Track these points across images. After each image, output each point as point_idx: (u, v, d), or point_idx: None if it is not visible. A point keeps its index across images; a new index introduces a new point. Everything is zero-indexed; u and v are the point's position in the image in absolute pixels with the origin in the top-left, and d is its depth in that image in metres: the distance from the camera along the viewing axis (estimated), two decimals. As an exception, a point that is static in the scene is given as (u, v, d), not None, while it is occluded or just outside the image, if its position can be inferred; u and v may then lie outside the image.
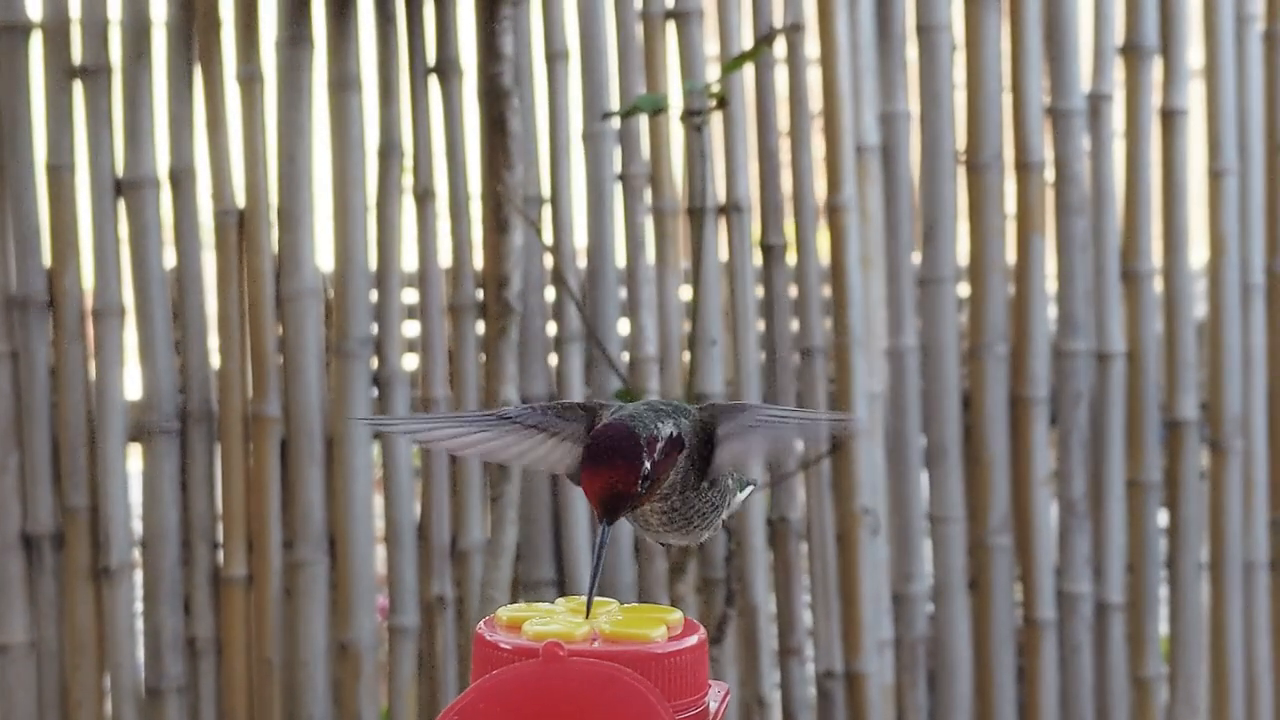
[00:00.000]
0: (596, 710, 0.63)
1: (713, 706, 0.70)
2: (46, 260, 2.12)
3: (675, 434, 0.84)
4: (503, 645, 0.68)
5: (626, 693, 0.63)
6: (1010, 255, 2.25)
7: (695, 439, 0.87)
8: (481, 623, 0.71)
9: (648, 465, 0.82)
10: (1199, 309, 2.35)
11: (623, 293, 2.19)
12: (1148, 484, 2.28)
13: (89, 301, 2.14)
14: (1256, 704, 2.33)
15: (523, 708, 0.63)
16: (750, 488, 1.00)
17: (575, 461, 0.89)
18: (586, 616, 0.73)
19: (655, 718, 0.63)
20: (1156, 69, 2.27)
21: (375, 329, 2.16)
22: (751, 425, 0.89)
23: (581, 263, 2.19)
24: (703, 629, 0.72)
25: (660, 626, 0.70)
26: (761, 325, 2.20)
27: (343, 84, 2.13)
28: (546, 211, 2.16)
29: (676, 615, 0.73)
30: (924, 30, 2.22)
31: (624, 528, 0.88)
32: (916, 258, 2.24)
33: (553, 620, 0.71)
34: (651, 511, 0.88)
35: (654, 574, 2.17)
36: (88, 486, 2.13)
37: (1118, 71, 2.27)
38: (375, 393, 2.16)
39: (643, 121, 2.14)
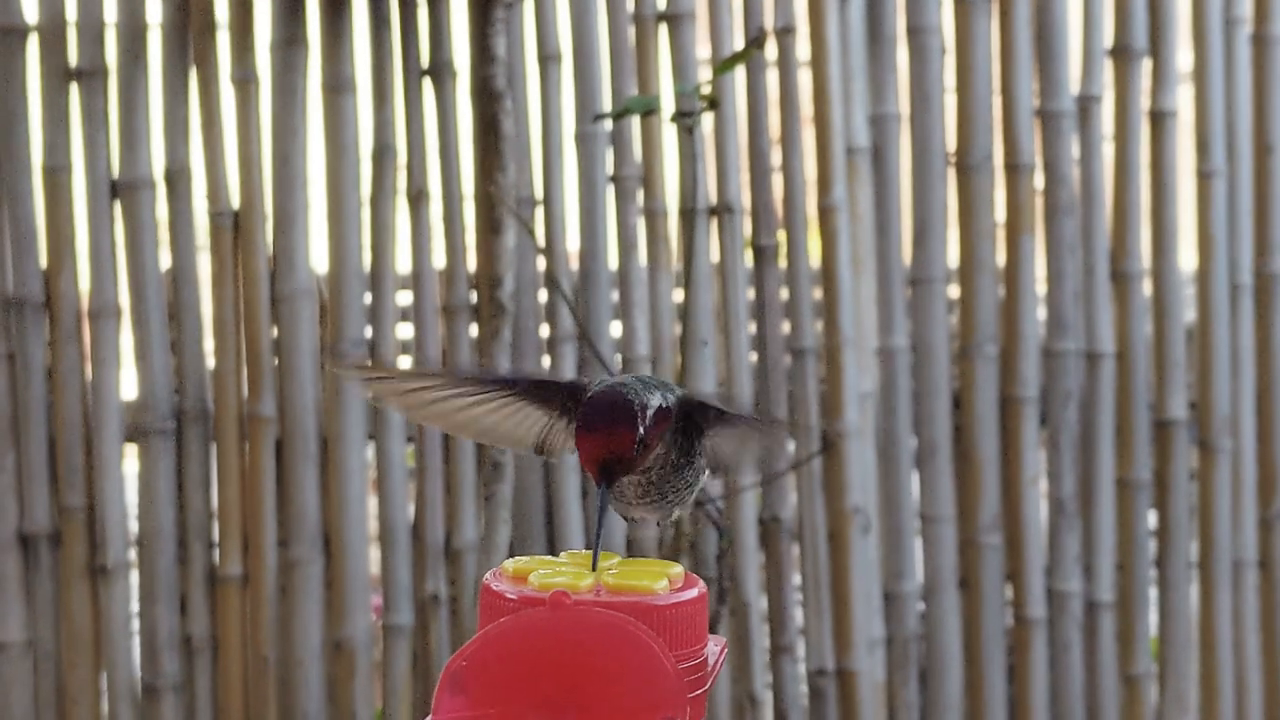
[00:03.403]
0: (601, 657, 0.64)
1: (710, 659, 0.71)
2: (43, 261, 2.13)
3: (663, 405, 0.86)
4: (509, 595, 0.69)
5: (631, 641, 0.64)
6: (1000, 256, 2.26)
7: (678, 415, 0.88)
8: (489, 574, 0.72)
9: (642, 430, 0.83)
10: (1188, 310, 2.36)
11: (615, 294, 2.20)
12: (1137, 483, 2.29)
13: (85, 303, 2.15)
14: (1245, 702, 2.34)
15: (529, 654, 0.65)
16: (706, 472, 1.01)
17: (546, 431, 0.91)
18: (592, 569, 0.74)
19: (659, 665, 0.64)
20: (1145, 71, 2.28)
21: (369, 330, 2.17)
22: (743, 419, 0.91)
23: (574, 264, 2.20)
24: (703, 582, 0.73)
25: (662, 579, 0.72)
26: (753, 326, 2.21)
27: (337, 86, 2.14)
28: (539, 213, 2.17)
29: (677, 569, 0.74)
30: (914, 32, 2.23)
31: (613, 519, 0.90)
32: (907, 259, 2.25)
33: (558, 572, 0.73)
34: (630, 484, 0.89)
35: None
36: (84, 486, 2.14)
37: (1107, 73, 2.28)
38: (369, 394, 2.17)
39: (635, 123, 2.15)
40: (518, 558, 0.72)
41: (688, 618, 0.69)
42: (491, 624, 0.65)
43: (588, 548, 2.16)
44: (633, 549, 2.18)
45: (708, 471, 0.97)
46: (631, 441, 0.82)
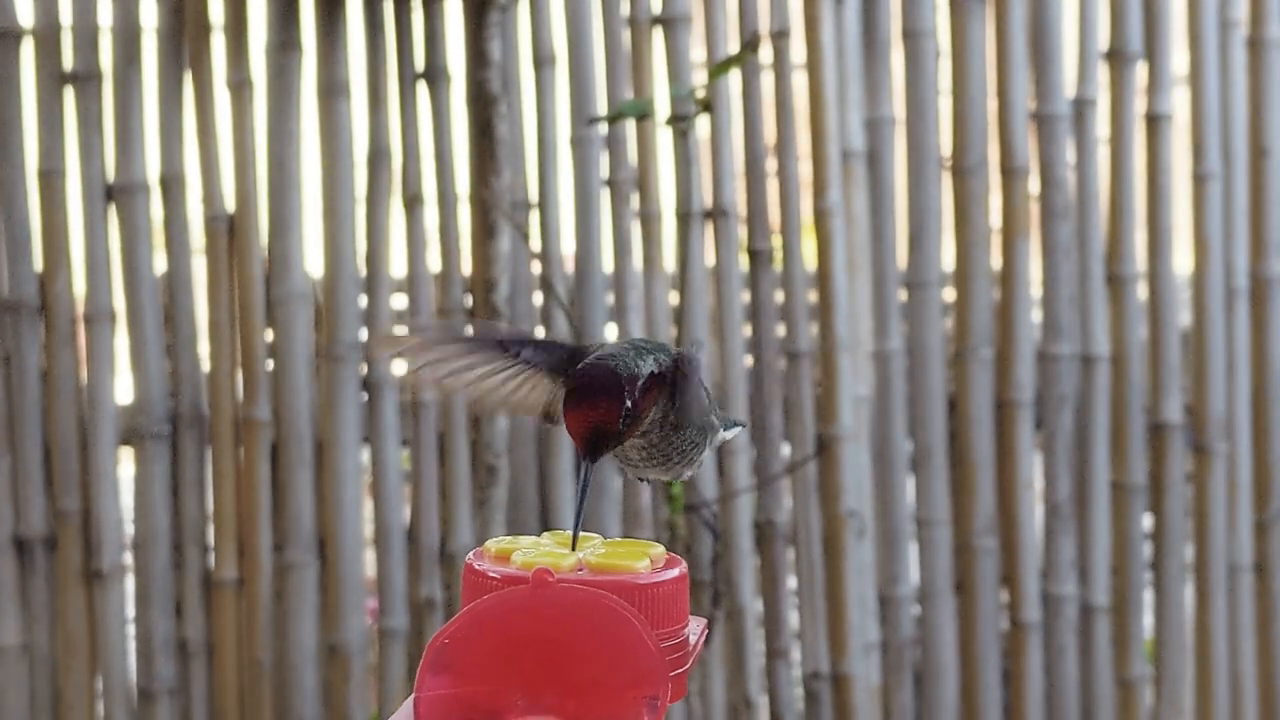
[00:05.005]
0: (583, 635, 0.65)
1: (691, 639, 0.71)
2: (38, 265, 2.14)
3: (656, 371, 0.86)
4: (492, 574, 0.70)
5: (613, 619, 0.65)
6: (995, 260, 2.26)
7: (674, 377, 0.89)
8: (470, 554, 0.72)
9: (629, 403, 0.83)
10: (1183, 313, 2.37)
11: (610, 297, 2.20)
12: (1132, 486, 2.29)
13: (80, 306, 2.15)
14: (1240, 705, 2.34)
15: (512, 632, 0.65)
16: (738, 427, 1.02)
17: (552, 400, 0.91)
18: (573, 548, 0.74)
19: (640, 643, 0.64)
20: (1141, 74, 2.28)
21: (364, 333, 2.17)
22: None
23: (569, 268, 2.21)
24: (684, 563, 0.73)
25: (644, 559, 0.72)
26: (748, 329, 2.21)
27: (332, 90, 2.14)
28: (534, 216, 2.18)
29: (659, 549, 0.74)
30: (909, 36, 2.24)
31: (609, 489, 0.90)
32: (902, 262, 2.25)
33: (540, 551, 0.73)
34: (632, 447, 0.90)
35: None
36: (79, 490, 2.14)
37: (1102, 76, 2.28)
38: (365, 397, 2.18)
39: (630, 127, 2.15)
40: (500, 538, 0.73)
41: (669, 597, 0.69)
42: (475, 602, 0.65)
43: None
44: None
45: (723, 431, 0.98)
46: (616, 416, 0.83)
